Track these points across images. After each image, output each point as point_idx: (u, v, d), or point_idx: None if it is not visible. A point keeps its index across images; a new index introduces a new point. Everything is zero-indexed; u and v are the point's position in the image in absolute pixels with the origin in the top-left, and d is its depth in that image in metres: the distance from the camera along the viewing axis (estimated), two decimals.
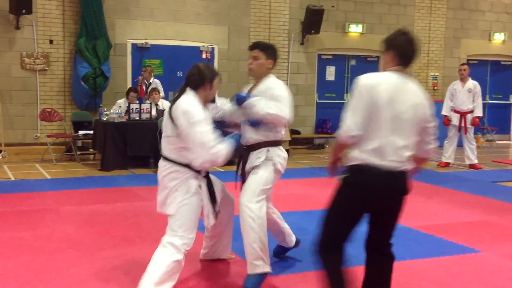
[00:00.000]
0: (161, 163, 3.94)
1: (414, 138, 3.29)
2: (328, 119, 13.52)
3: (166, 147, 3.91)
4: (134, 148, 9.43)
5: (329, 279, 3.31)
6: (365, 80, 3.24)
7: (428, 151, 3.48)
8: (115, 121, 9.44)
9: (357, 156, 3.22)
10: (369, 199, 3.23)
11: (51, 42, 11.14)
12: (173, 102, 3.89)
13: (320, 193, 7.80)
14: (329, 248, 3.33)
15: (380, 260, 3.47)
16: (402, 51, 3.31)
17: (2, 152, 10.42)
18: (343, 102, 14.06)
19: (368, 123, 3.17)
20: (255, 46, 4.24)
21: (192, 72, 3.94)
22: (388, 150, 3.17)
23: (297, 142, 12.95)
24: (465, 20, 14.92)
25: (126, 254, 4.75)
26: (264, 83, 4.20)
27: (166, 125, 3.89)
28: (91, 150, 10.73)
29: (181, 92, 3.90)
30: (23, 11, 10.48)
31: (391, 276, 3.49)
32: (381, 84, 3.21)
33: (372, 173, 3.17)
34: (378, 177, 3.17)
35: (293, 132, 12.65)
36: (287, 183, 8.51)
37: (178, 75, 11.92)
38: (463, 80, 10.36)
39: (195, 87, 3.89)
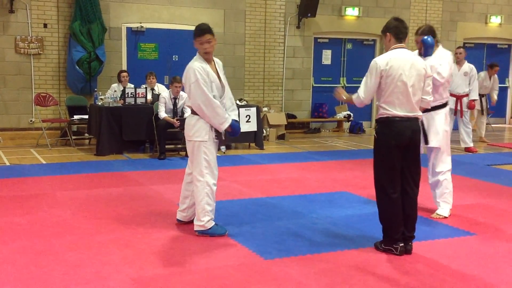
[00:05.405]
0: None
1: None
2: (324, 103, 13.48)
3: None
4: (130, 133, 9.40)
5: (388, 221, 4.41)
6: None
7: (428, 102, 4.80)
8: (110, 105, 9.39)
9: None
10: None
11: (45, 26, 11.05)
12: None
13: (316, 177, 7.84)
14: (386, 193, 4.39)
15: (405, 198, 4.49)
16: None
17: None
18: (340, 86, 14.04)
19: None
20: (207, 31, 4.66)
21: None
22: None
23: (293, 126, 12.94)
24: (462, 3, 14.84)
25: (122, 239, 4.76)
26: (216, 61, 4.86)
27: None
28: (86, 135, 10.70)
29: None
30: None
31: (417, 206, 4.54)
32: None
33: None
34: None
35: (289, 116, 12.62)
36: (283, 167, 8.52)
37: (173, 59, 11.85)
38: (459, 63, 10.34)
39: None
